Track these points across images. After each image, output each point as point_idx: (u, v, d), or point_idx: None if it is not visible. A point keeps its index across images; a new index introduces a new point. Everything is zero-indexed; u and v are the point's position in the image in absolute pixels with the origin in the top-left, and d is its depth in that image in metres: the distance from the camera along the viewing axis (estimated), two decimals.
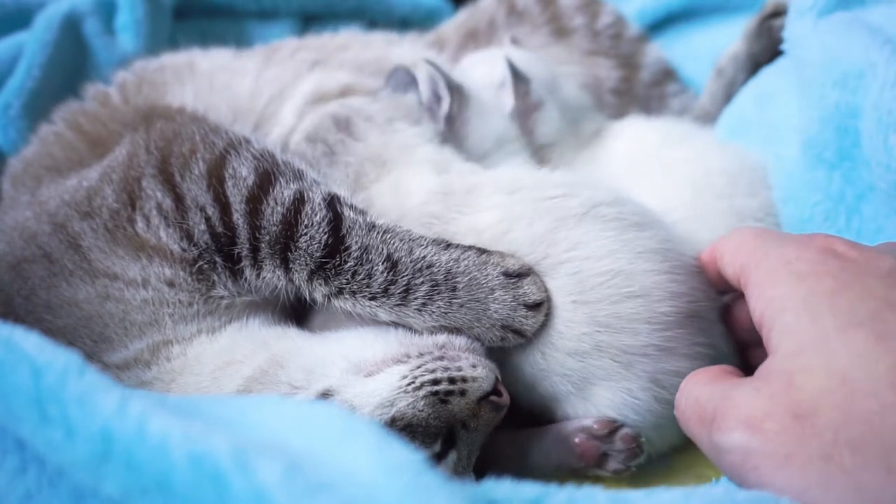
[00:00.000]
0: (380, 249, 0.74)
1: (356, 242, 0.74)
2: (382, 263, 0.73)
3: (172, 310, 0.74)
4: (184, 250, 0.74)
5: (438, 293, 0.73)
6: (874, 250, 0.58)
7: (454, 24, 1.35)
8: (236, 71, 1.06)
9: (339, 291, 0.74)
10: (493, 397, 0.68)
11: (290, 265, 0.74)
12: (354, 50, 1.19)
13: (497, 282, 0.74)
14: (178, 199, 0.75)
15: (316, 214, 0.74)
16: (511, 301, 0.74)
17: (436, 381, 0.66)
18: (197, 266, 0.74)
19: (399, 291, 0.73)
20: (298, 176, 0.78)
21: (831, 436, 0.48)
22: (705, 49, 1.28)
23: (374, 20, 1.40)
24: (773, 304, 0.57)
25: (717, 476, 0.71)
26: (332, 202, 0.76)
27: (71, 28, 1.16)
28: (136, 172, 0.77)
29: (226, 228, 0.74)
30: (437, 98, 1.00)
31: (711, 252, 0.74)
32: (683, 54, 1.31)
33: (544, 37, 1.29)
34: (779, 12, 1.13)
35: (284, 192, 0.75)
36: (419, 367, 0.68)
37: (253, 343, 0.74)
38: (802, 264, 0.57)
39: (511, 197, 0.81)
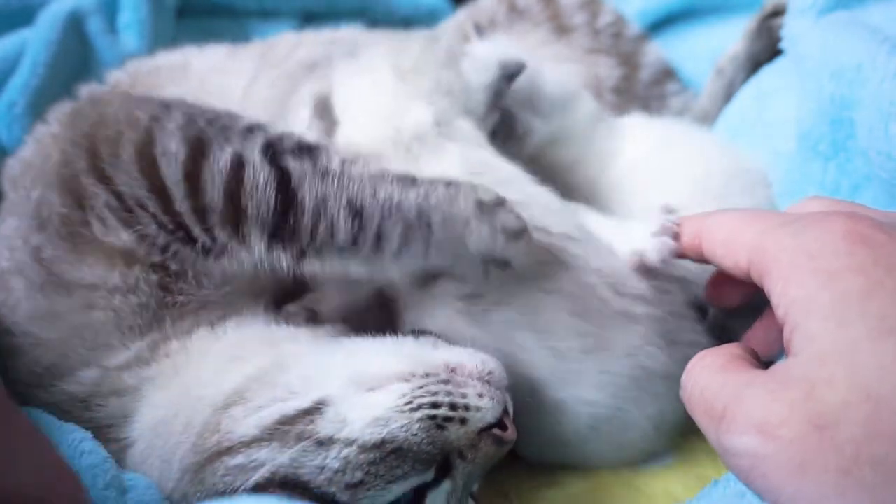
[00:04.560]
0: (338, 196, 0.68)
1: (309, 194, 0.67)
2: (343, 210, 0.67)
3: (174, 310, 0.72)
4: (149, 253, 0.69)
5: (413, 234, 0.68)
6: None
7: (455, 24, 1.35)
8: (230, 72, 1.04)
9: (302, 254, 0.69)
10: (496, 430, 0.64)
11: (247, 239, 0.68)
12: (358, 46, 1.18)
13: (471, 212, 0.69)
14: (119, 197, 0.68)
15: (259, 176, 0.67)
16: (489, 230, 0.69)
17: (435, 405, 0.62)
18: (173, 270, 0.71)
19: (370, 240, 0.68)
20: (229, 134, 0.70)
21: (852, 450, 0.45)
22: (705, 49, 1.28)
23: (375, 20, 1.40)
24: (797, 305, 0.53)
25: (718, 476, 0.71)
26: (274, 156, 0.69)
27: (74, 27, 1.16)
28: (70, 170, 0.70)
29: (175, 225, 0.68)
30: None
31: (693, 237, 0.69)
32: (683, 54, 1.32)
33: (545, 34, 1.29)
34: (778, 12, 1.13)
35: (220, 159, 0.67)
36: (421, 387, 0.63)
37: (261, 342, 0.72)
38: (828, 259, 0.52)
39: None
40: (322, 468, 0.58)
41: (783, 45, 0.94)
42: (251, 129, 0.72)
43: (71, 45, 1.15)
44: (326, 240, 0.68)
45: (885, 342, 0.47)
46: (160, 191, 0.67)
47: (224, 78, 1.04)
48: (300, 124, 0.99)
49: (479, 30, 1.14)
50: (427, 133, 0.83)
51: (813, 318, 0.51)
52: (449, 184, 0.71)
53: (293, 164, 0.69)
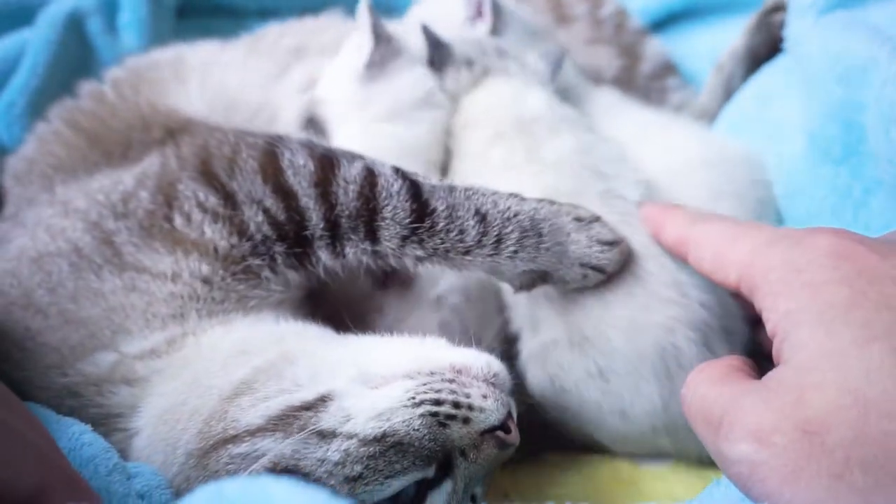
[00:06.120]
0: (467, 206, 0.78)
1: (442, 204, 0.77)
2: (473, 218, 0.77)
3: (201, 305, 0.75)
4: (233, 246, 0.75)
5: (527, 239, 0.77)
6: (886, 246, 0.56)
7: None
8: (224, 65, 1.07)
9: (434, 252, 0.77)
10: (499, 432, 0.65)
11: (379, 234, 0.76)
12: (338, 31, 1.18)
13: (572, 226, 0.79)
14: (228, 197, 0.76)
15: (392, 185, 0.77)
16: (586, 240, 0.78)
17: (438, 402, 0.63)
18: (243, 265, 0.75)
19: (491, 242, 0.77)
20: (357, 155, 0.80)
21: (842, 454, 0.47)
22: (706, 48, 1.28)
23: None
24: (787, 317, 0.55)
25: (719, 476, 0.72)
26: (402, 173, 0.79)
27: (74, 27, 1.16)
28: (172, 177, 0.78)
29: (293, 213, 0.76)
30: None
31: (678, 244, 0.75)
32: (684, 53, 1.31)
33: (547, 23, 1.29)
34: (779, 8, 1.13)
35: (351, 170, 0.77)
36: (425, 384, 0.65)
37: (269, 338, 0.74)
38: (815, 273, 0.55)
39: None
40: (322, 460, 0.60)
41: (785, 45, 0.93)
42: (375, 160, 0.81)
43: (71, 45, 1.15)
44: (456, 241, 0.77)
45: (871, 348, 0.49)
46: (286, 193, 0.76)
47: (222, 72, 1.06)
48: (291, 96, 1.05)
49: None
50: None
51: (801, 327, 0.54)
52: (552, 202, 0.81)
53: (420, 180, 0.79)
